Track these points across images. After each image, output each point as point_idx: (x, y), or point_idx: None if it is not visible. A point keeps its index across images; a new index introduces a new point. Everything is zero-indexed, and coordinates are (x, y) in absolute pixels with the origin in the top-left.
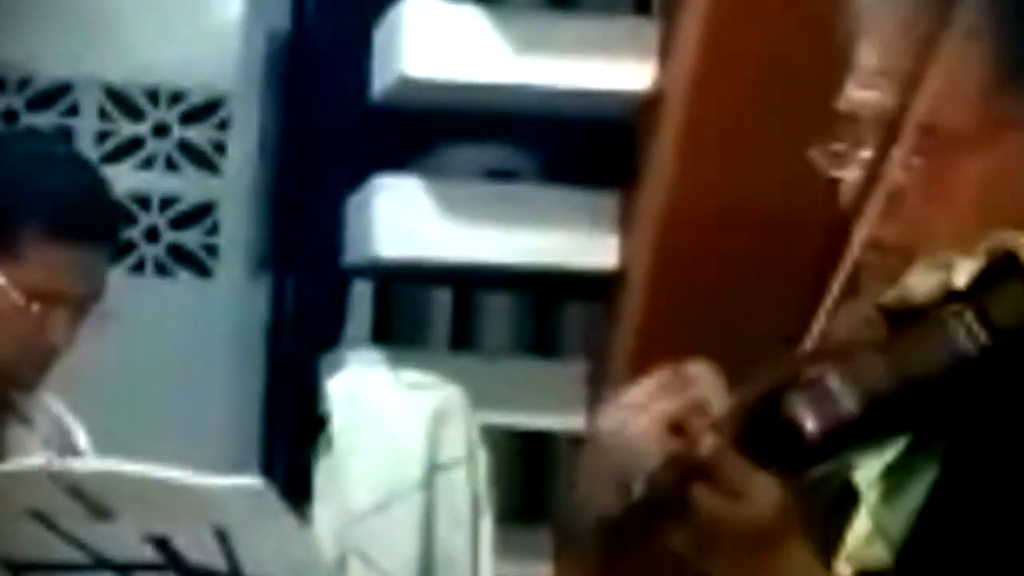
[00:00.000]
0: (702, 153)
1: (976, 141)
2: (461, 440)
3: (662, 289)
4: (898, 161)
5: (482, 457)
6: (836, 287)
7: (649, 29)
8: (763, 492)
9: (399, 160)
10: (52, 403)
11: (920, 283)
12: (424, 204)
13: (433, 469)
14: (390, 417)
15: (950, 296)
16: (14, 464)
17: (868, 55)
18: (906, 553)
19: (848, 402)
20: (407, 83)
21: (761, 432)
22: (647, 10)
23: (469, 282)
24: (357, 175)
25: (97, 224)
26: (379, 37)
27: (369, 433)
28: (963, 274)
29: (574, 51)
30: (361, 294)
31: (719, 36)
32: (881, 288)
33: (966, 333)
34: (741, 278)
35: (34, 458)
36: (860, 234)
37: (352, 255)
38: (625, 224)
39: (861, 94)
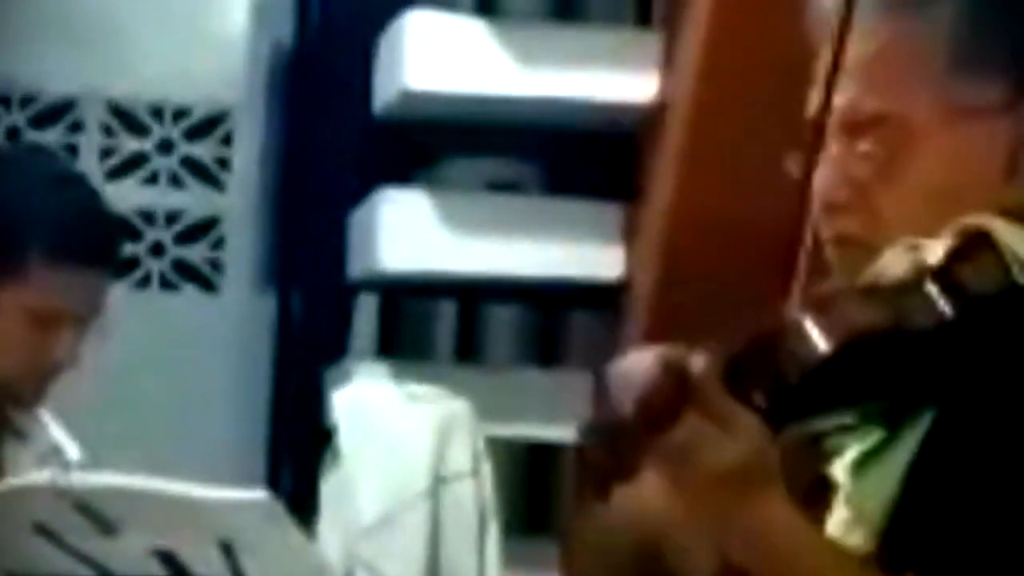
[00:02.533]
0: (705, 164)
1: (932, 129)
2: (467, 452)
3: (666, 300)
4: (856, 155)
5: (488, 469)
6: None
7: (651, 41)
8: (747, 429)
9: (403, 173)
10: (45, 418)
11: (893, 263)
12: (428, 217)
13: (439, 481)
14: (396, 430)
15: (923, 275)
16: (20, 479)
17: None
18: (888, 537)
19: (823, 342)
20: (410, 96)
21: (744, 382)
22: (649, 22)
23: (474, 294)
24: (361, 188)
25: (100, 245)
26: (382, 51)
27: (375, 446)
28: (935, 252)
29: (577, 63)
30: (366, 307)
31: (721, 47)
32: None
33: (941, 298)
34: (745, 289)
35: (39, 474)
36: (807, 229)
37: (357, 268)
38: (629, 235)
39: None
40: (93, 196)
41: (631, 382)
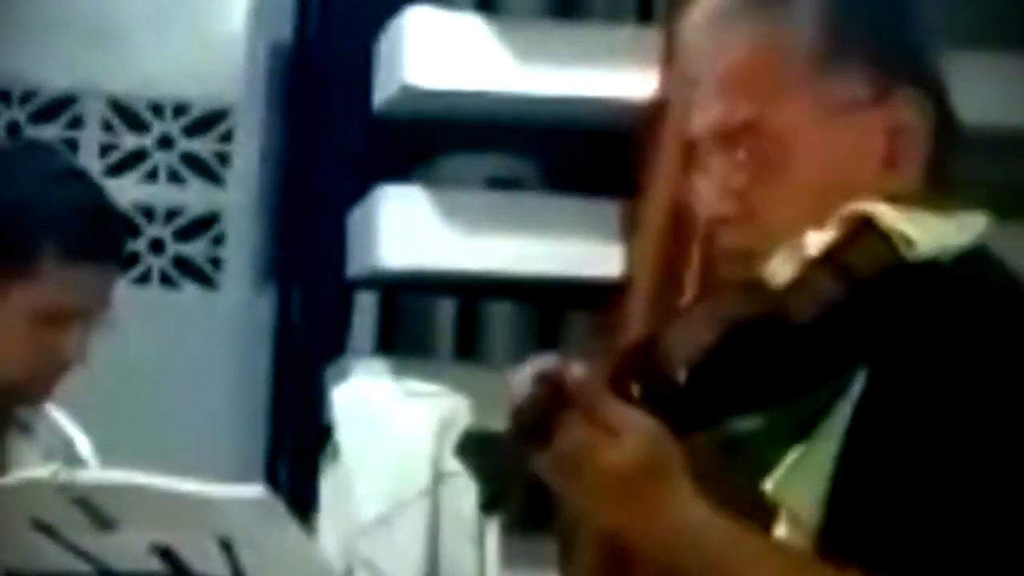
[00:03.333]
0: None
1: (805, 129)
2: None
3: (666, 298)
4: (734, 165)
5: None
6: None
7: (652, 37)
8: (636, 429)
9: (402, 170)
10: (54, 413)
11: (780, 266)
12: (427, 214)
13: (438, 478)
14: (395, 427)
15: (807, 267)
16: (19, 475)
17: (700, 74)
18: (825, 533)
19: (706, 333)
20: (409, 93)
21: (631, 385)
22: (650, 18)
23: (473, 292)
24: (361, 185)
25: (110, 240)
26: (381, 47)
27: (374, 443)
28: (816, 243)
29: (577, 60)
30: (366, 304)
31: None
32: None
33: (829, 283)
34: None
35: (39, 469)
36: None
37: (356, 265)
38: (629, 233)
39: (697, 117)
40: (99, 191)
41: (511, 395)
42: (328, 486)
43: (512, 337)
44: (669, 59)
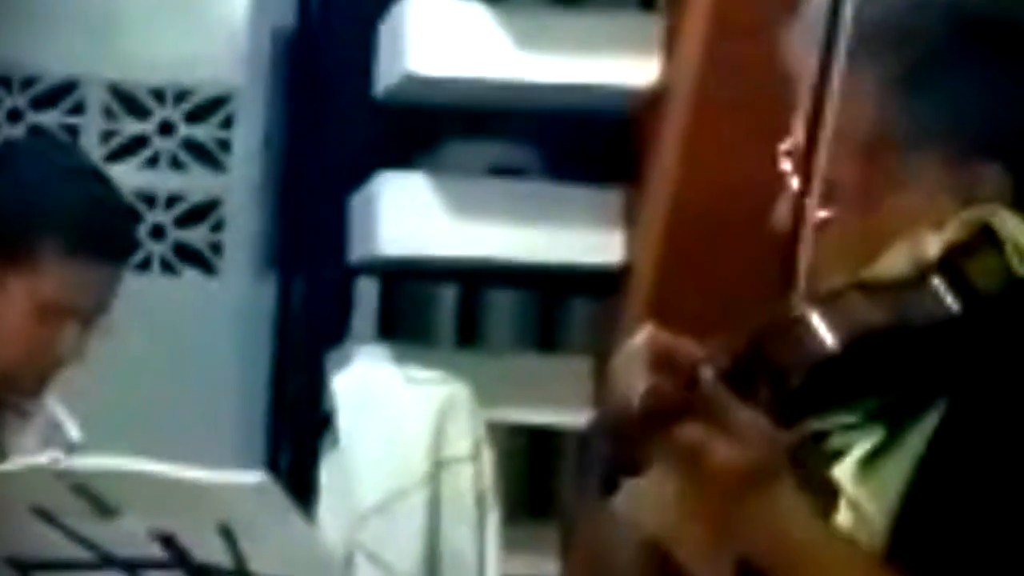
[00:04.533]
0: (706, 149)
1: (870, 197)
2: (467, 436)
3: (668, 285)
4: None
5: (488, 453)
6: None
7: (654, 24)
8: (753, 429)
9: (404, 157)
10: (47, 397)
11: (893, 262)
12: (429, 201)
13: (439, 465)
14: (396, 413)
15: (925, 270)
16: (19, 462)
17: (803, 96)
18: (893, 540)
19: (829, 337)
20: (411, 80)
21: (746, 376)
22: (652, 5)
23: (474, 279)
24: (362, 172)
25: (115, 242)
26: (383, 34)
27: (375, 429)
28: (934, 245)
29: (578, 47)
30: (367, 291)
31: (723, 31)
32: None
33: (946, 293)
34: (747, 274)
35: (39, 456)
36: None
37: (358, 252)
38: (629, 220)
39: (797, 132)
40: (111, 191)
41: (635, 373)
42: (329, 473)
43: (513, 324)
44: (670, 46)
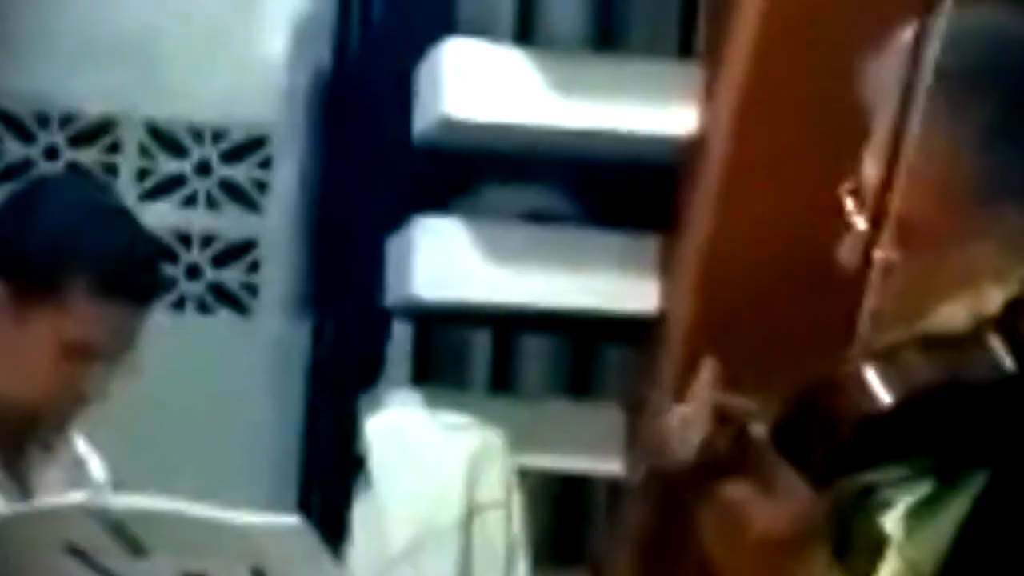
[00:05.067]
0: (744, 197)
1: (946, 243)
2: (499, 482)
3: (702, 333)
4: (884, 242)
5: (519, 500)
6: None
7: (693, 72)
8: (795, 495)
9: (440, 201)
10: (72, 434)
11: (950, 315)
12: (464, 245)
13: (471, 511)
14: (428, 458)
15: (983, 325)
16: (53, 500)
17: (876, 129)
18: None
19: (883, 394)
20: (448, 124)
21: (797, 431)
22: (690, 53)
23: (508, 324)
24: (398, 215)
25: (143, 286)
26: (420, 77)
27: (407, 474)
28: (994, 301)
29: (616, 94)
30: (401, 334)
31: (762, 80)
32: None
33: (1003, 352)
34: (783, 324)
35: (73, 494)
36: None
37: (392, 295)
38: (665, 268)
39: (867, 166)
40: (141, 232)
41: (692, 425)
42: (360, 516)
43: (546, 370)
44: (708, 95)
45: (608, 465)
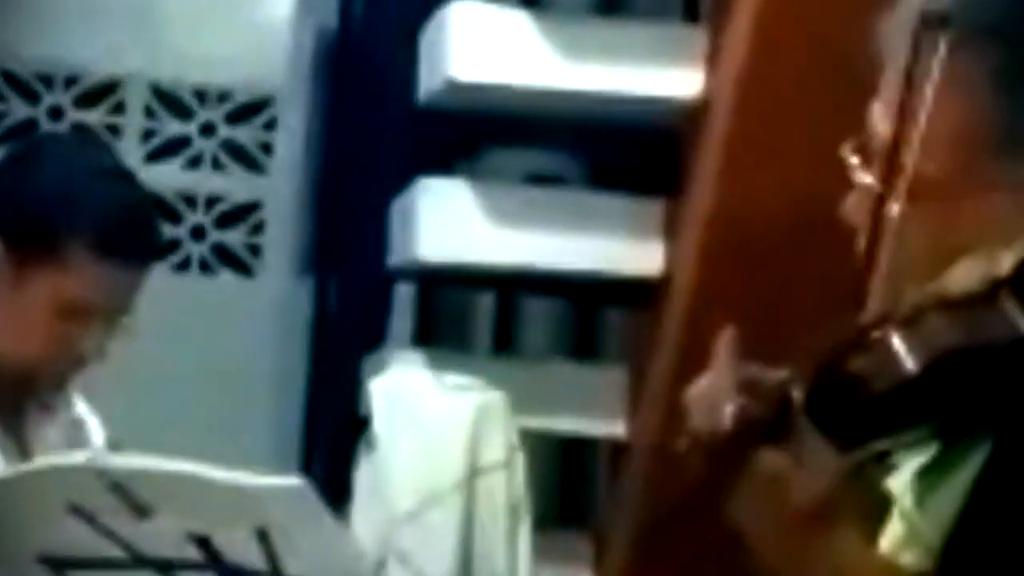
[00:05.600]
0: (748, 160)
1: (966, 197)
2: (501, 444)
3: (706, 296)
4: (896, 197)
5: (521, 461)
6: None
7: (697, 36)
8: (827, 466)
9: (445, 163)
10: (71, 393)
11: (964, 276)
12: (468, 207)
13: (473, 472)
14: (431, 419)
15: (996, 286)
16: (56, 458)
17: (885, 85)
18: (945, 558)
19: (909, 362)
20: (453, 86)
21: (825, 397)
22: (696, 17)
23: (512, 286)
24: (402, 177)
25: (142, 245)
26: (425, 39)
27: (410, 435)
28: (1006, 261)
29: (621, 57)
30: (404, 296)
31: (766, 43)
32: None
33: (1017, 312)
34: (787, 285)
35: (76, 453)
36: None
37: (396, 257)
38: (669, 231)
39: (875, 122)
40: (140, 192)
41: (720, 394)
42: (363, 477)
43: (550, 332)
44: (714, 58)
45: (610, 427)
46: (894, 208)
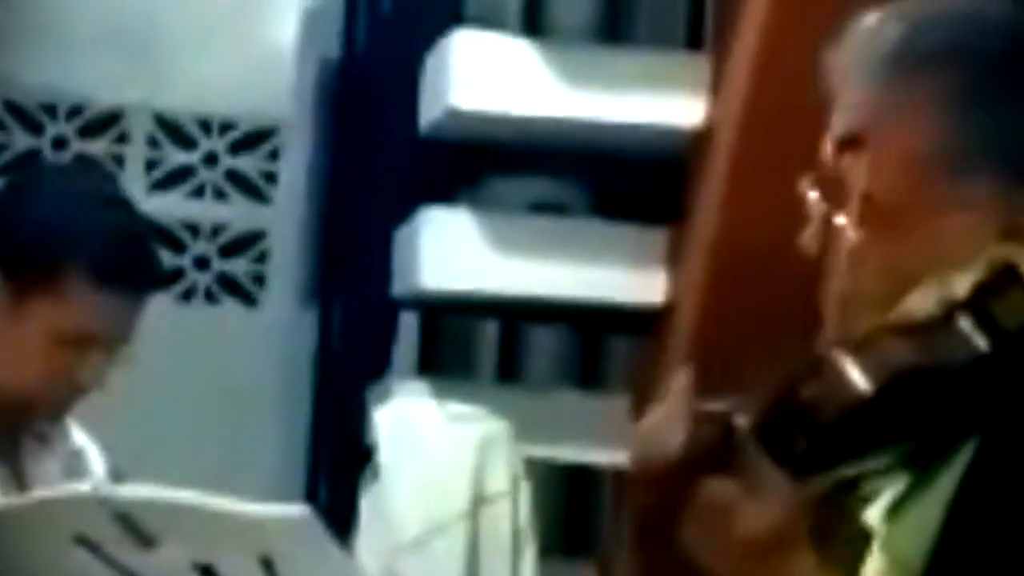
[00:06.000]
0: (751, 189)
1: (916, 216)
2: (506, 473)
3: (710, 324)
4: (837, 223)
5: (526, 490)
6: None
7: (700, 64)
8: (778, 493)
9: (447, 192)
10: (68, 424)
11: (920, 301)
12: (471, 236)
13: (478, 501)
14: (436, 448)
15: (953, 309)
16: (61, 489)
17: (836, 117)
18: None
19: (862, 381)
20: (456, 115)
21: (778, 425)
22: (699, 45)
23: (516, 315)
24: (405, 206)
25: (140, 274)
26: (428, 68)
27: (414, 464)
28: (962, 285)
29: (624, 85)
30: (408, 325)
31: (770, 71)
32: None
33: (975, 333)
34: (789, 315)
35: (81, 483)
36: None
37: (399, 286)
38: (673, 260)
39: (828, 147)
40: (139, 223)
41: (674, 422)
42: (368, 506)
43: (554, 361)
44: (717, 86)
45: (615, 456)
46: (851, 236)
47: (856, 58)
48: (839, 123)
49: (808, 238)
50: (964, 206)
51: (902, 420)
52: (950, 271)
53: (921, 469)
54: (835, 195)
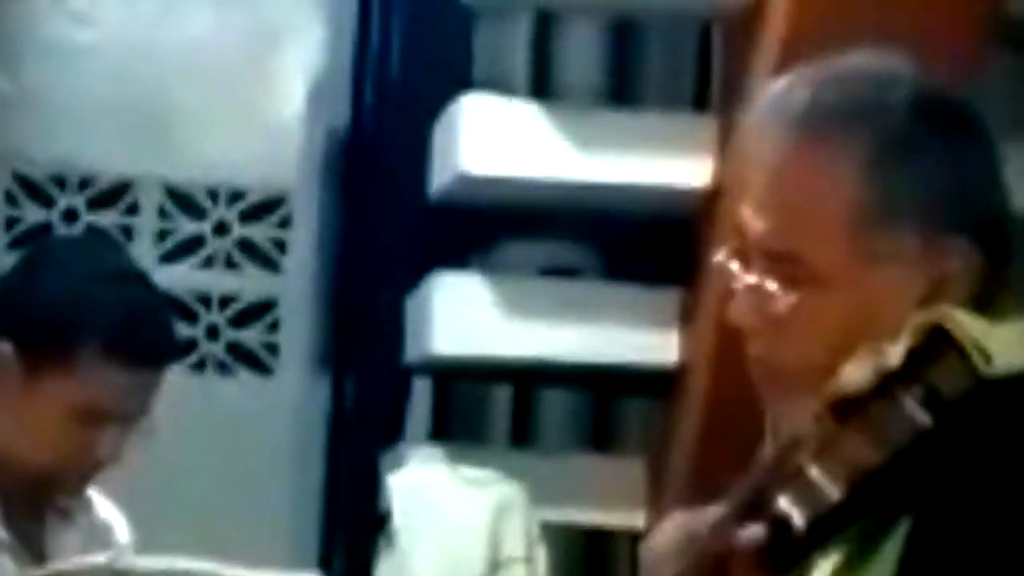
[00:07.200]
0: None
1: (842, 276)
2: (521, 537)
3: (723, 386)
4: (769, 288)
5: (542, 554)
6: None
7: (708, 125)
8: None
9: (459, 257)
10: (93, 498)
11: (855, 372)
12: (483, 301)
13: (494, 566)
14: (451, 514)
15: (888, 379)
16: (76, 562)
17: (751, 184)
18: None
19: (833, 491)
20: (465, 180)
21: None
22: (705, 106)
23: (528, 379)
24: (417, 272)
25: (155, 347)
26: (437, 134)
27: (430, 530)
28: (895, 354)
29: (632, 147)
30: (421, 391)
31: None
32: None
33: (915, 406)
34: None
35: (96, 556)
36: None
37: (412, 352)
38: (685, 321)
39: (747, 222)
40: (154, 296)
41: (665, 560)
42: (384, 573)
43: (567, 425)
44: (725, 147)
45: (630, 519)
46: (781, 303)
47: (769, 121)
48: (758, 188)
49: (735, 310)
50: (893, 259)
51: (864, 511)
52: (883, 334)
53: (861, 541)
54: (758, 262)
